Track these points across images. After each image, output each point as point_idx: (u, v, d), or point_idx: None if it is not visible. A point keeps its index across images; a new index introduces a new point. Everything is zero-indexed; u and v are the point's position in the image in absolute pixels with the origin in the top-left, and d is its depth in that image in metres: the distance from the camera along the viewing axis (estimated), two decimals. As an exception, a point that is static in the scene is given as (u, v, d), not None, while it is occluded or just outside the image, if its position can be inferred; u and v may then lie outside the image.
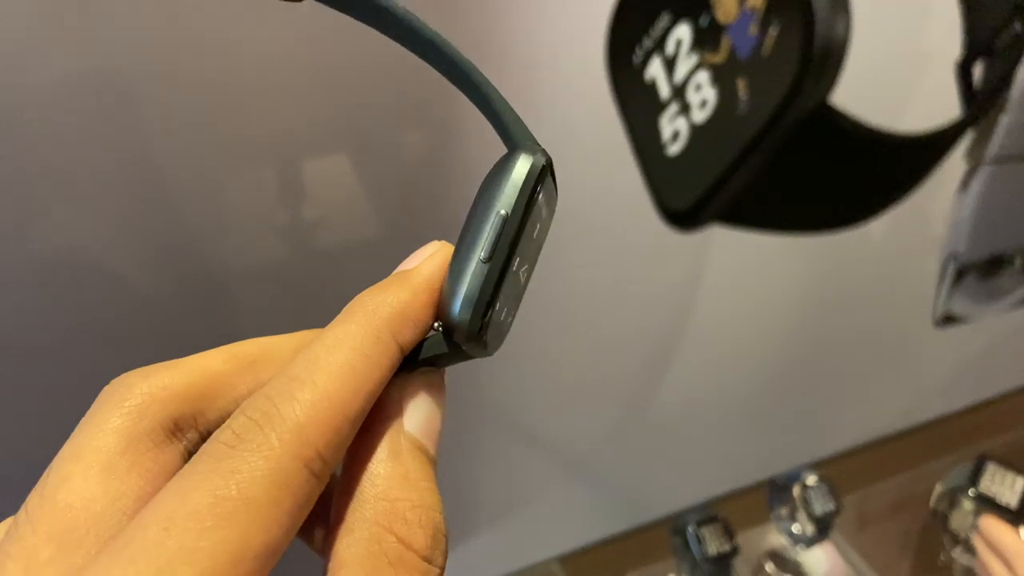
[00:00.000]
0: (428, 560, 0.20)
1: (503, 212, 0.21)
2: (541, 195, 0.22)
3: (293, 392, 0.19)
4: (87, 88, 0.45)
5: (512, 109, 0.25)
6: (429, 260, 0.23)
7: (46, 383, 0.53)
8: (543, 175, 0.22)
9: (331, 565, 0.19)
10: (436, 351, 0.22)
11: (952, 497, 0.88)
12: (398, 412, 0.21)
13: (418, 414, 0.21)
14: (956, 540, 0.88)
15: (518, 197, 0.22)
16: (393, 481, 0.20)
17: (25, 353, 0.51)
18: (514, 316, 0.24)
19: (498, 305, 0.22)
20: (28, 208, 0.47)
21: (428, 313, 0.22)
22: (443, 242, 0.23)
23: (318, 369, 0.20)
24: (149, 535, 0.17)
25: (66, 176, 0.47)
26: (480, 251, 0.21)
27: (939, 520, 0.88)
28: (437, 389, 0.22)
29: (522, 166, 0.22)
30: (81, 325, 0.52)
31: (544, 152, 0.22)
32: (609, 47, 0.58)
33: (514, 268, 0.22)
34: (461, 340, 0.21)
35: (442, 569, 0.20)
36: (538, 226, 0.23)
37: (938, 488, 0.89)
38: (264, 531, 0.17)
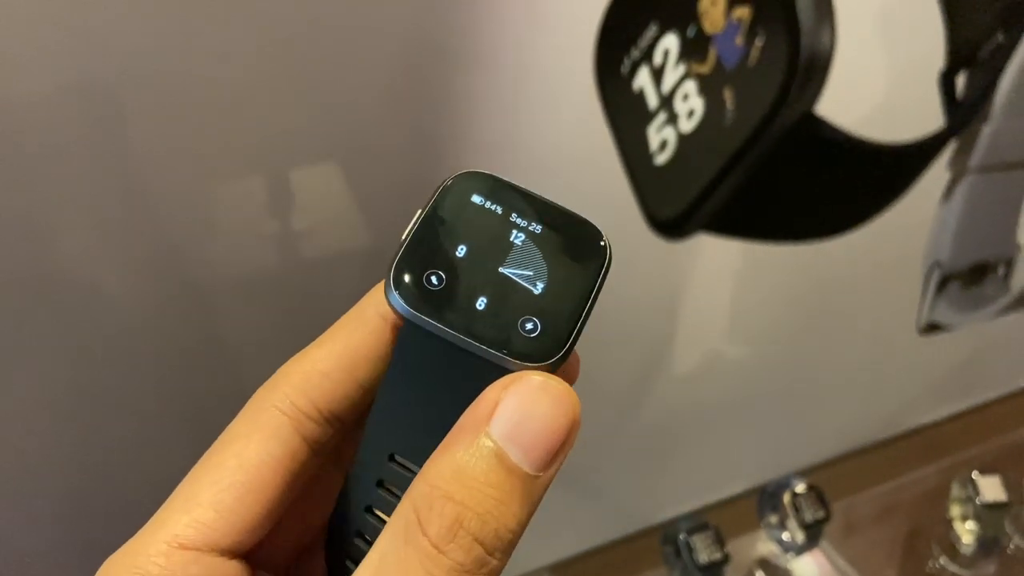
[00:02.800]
0: (438, 548, 0.20)
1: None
2: None
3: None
4: (71, 99, 0.45)
5: None
6: None
7: (27, 394, 0.53)
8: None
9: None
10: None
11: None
12: (489, 412, 0.21)
13: (507, 419, 0.21)
14: (955, 550, 0.89)
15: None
16: (445, 470, 0.21)
17: (5, 363, 0.51)
18: None
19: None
20: (12, 218, 0.47)
21: None
22: None
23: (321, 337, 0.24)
24: None
25: (50, 186, 0.47)
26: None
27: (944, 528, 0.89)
28: (545, 397, 0.22)
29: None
30: (65, 335, 0.52)
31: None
32: (597, 57, 0.59)
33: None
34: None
35: (461, 565, 0.20)
36: None
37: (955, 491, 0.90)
38: None
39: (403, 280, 0.24)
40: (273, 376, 0.24)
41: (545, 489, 0.22)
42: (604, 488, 0.79)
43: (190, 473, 0.23)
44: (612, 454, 0.80)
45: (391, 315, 0.24)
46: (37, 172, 0.46)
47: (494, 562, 0.21)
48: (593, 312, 0.24)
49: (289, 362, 0.24)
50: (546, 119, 0.58)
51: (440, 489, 0.20)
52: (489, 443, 0.21)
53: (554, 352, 0.23)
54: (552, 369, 0.23)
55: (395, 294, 0.24)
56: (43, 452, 0.55)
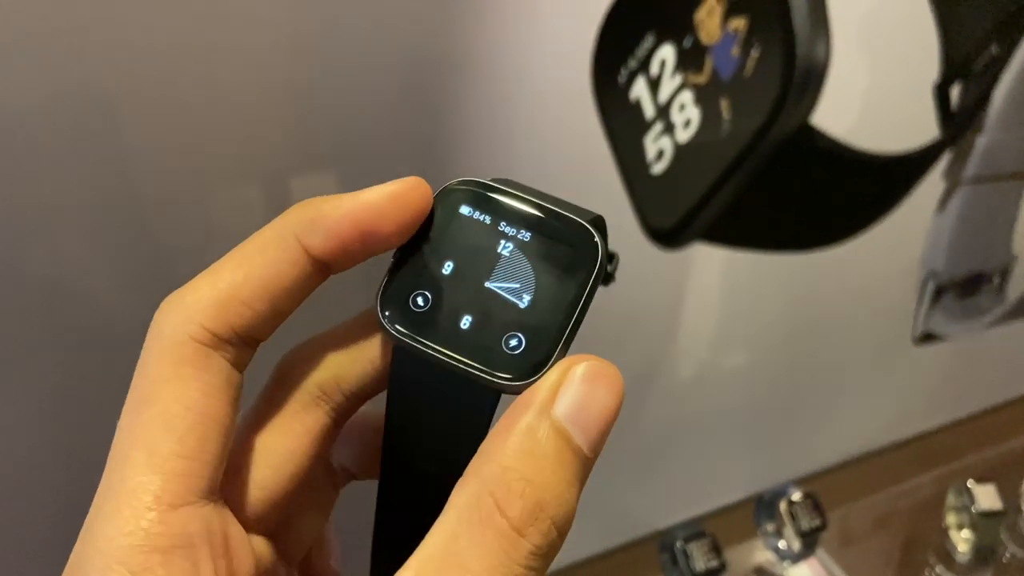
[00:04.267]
0: (519, 531, 0.20)
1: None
2: None
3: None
4: (65, 108, 0.45)
5: None
6: (377, 189, 0.23)
7: (21, 398, 0.53)
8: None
9: (446, 505, 0.21)
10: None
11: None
12: (553, 394, 0.21)
13: (571, 400, 0.21)
14: (951, 559, 0.89)
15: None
16: (516, 452, 0.21)
17: (4, 370, 0.51)
18: None
19: None
20: (8, 223, 0.47)
21: (349, 231, 0.23)
22: (419, 179, 0.24)
23: (225, 258, 0.23)
24: None
25: (47, 192, 0.47)
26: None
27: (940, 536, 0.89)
28: (603, 380, 0.22)
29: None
30: (62, 340, 0.52)
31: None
32: (594, 67, 0.59)
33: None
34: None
35: (538, 548, 0.20)
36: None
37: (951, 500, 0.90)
38: None
39: (390, 302, 0.24)
40: (179, 300, 0.22)
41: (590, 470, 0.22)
42: (601, 496, 0.79)
43: (126, 432, 0.22)
44: (609, 462, 0.79)
45: (314, 246, 0.23)
46: (34, 178, 0.46)
47: (559, 545, 0.21)
48: (587, 317, 0.24)
49: (197, 283, 0.23)
50: (544, 128, 0.58)
51: (516, 471, 0.20)
52: (556, 425, 0.21)
53: (538, 368, 0.23)
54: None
55: (382, 316, 0.24)
56: (38, 456, 0.55)
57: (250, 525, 0.24)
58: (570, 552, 0.82)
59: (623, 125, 0.62)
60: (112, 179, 0.48)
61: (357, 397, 0.26)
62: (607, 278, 0.29)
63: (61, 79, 0.45)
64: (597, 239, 0.24)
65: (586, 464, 0.22)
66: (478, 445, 0.22)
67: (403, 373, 0.25)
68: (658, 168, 0.65)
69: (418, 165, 0.56)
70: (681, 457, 0.85)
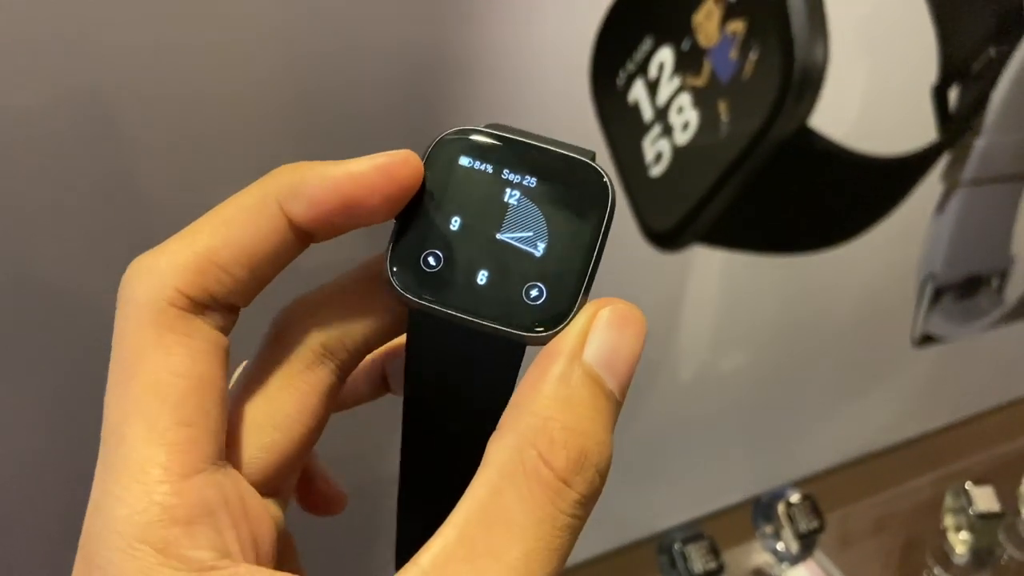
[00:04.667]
0: (565, 482, 0.20)
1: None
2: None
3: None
4: (68, 107, 0.45)
5: None
6: (365, 160, 0.23)
7: (20, 401, 0.53)
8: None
9: (483, 460, 0.21)
10: None
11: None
12: (581, 340, 0.21)
13: (600, 345, 0.21)
14: (949, 561, 0.89)
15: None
16: (553, 401, 0.20)
17: (5, 373, 0.51)
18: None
19: None
20: (8, 226, 0.47)
21: (334, 201, 0.22)
22: (409, 152, 0.23)
23: (202, 220, 0.22)
24: None
25: (48, 194, 0.47)
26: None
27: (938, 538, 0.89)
28: (630, 324, 0.22)
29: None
30: (61, 343, 0.52)
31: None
32: (593, 70, 0.59)
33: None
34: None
35: (584, 497, 0.20)
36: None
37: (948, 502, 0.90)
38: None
39: (400, 266, 0.23)
40: (152, 263, 0.21)
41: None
42: (600, 498, 0.80)
43: (115, 408, 0.21)
44: (608, 464, 0.80)
45: (297, 214, 0.22)
46: (33, 180, 0.46)
47: (600, 491, 0.21)
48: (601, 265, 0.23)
49: (170, 246, 0.22)
50: (543, 130, 0.59)
51: (556, 420, 0.20)
52: (588, 370, 0.21)
53: (562, 317, 0.22)
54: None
55: (394, 282, 0.23)
56: (38, 458, 0.55)
57: (263, 489, 0.24)
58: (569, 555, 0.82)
59: (621, 127, 0.62)
60: (112, 180, 0.48)
61: (362, 352, 0.25)
62: None
63: (61, 81, 0.45)
64: (606, 178, 0.24)
65: (617, 408, 0.21)
66: (507, 400, 0.22)
67: (422, 337, 0.24)
68: (657, 170, 0.65)
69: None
70: (679, 459, 0.85)
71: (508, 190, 0.24)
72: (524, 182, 0.24)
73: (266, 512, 0.23)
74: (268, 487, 0.24)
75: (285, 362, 0.24)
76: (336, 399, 0.26)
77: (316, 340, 0.24)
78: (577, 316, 0.22)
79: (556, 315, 0.22)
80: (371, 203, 0.22)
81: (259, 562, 0.21)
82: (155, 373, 0.20)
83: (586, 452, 0.20)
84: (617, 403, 0.21)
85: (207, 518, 0.20)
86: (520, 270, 0.23)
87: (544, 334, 0.22)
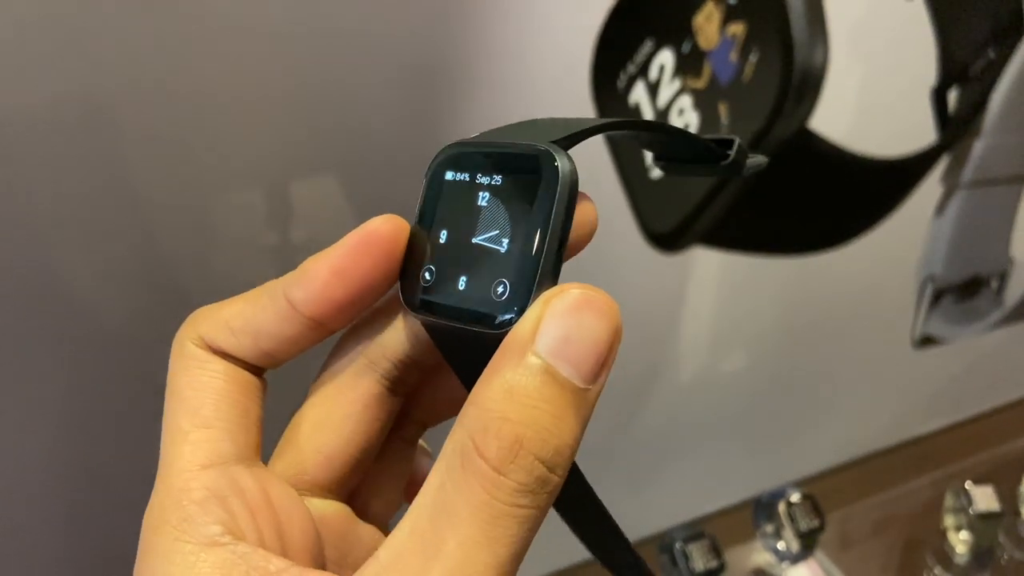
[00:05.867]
0: (498, 471, 0.20)
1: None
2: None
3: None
4: (69, 109, 0.46)
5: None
6: (351, 233, 0.25)
7: (22, 401, 0.53)
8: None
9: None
10: None
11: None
12: (532, 330, 0.21)
13: (552, 333, 0.21)
14: (949, 561, 0.89)
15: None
16: (495, 393, 0.20)
17: (4, 373, 0.51)
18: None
19: None
20: (9, 227, 0.47)
21: (325, 274, 0.24)
22: (391, 216, 0.25)
23: (240, 295, 0.26)
24: None
25: (49, 196, 0.48)
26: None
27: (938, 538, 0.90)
28: (587, 308, 0.21)
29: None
30: (61, 344, 0.52)
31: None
32: (594, 72, 0.59)
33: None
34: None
35: (523, 485, 0.20)
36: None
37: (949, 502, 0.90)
38: None
39: (406, 282, 0.25)
40: (191, 317, 0.26)
41: (596, 400, 0.22)
42: (601, 499, 0.80)
43: (164, 422, 0.25)
44: (609, 465, 0.80)
45: (296, 297, 0.25)
46: (34, 182, 0.47)
47: (555, 479, 0.21)
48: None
49: (210, 306, 0.26)
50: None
51: (494, 411, 0.20)
52: (537, 360, 0.20)
53: (520, 310, 0.22)
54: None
55: (402, 298, 0.25)
56: (40, 458, 0.55)
57: (315, 488, 0.26)
58: (570, 554, 0.82)
59: (623, 130, 0.62)
60: (112, 183, 0.49)
61: (404, 363, 0.27)
62: (734, 166, 0.30)
63: (61, 83, 0.45)
64: (558, 160, 0.23)
65: (581, 395, 0.21)
66: None
67: (439, 345, 0.25)
68: (657, 172, 0.65)
69: (418, 171, 0.57)
70: (680, 460, 0.85)
71: (480, 193, 0.24)
72: (492, 182, 0.24)
73: (303, 509, 0.25)
74: (322, 485, 0.26)
75: (337, 373, 0.27)
76: (387, 408, 0.27)
77: (361, 352, 0.27)
78: (531, 307, 0.22)
79: (516, 308, 0.22)
80: (360, 268, 0.24)
81: (286, 552, 0.23)
82: (181, 390, 0.24)
83: (521, 440, 0.20)
84: (579, 391, 0.21)
85: (219, 500, 0.22)
86: (490, 269, 0.23)
87: (504, 330, 0.22)
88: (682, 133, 0.30)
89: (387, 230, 0.25)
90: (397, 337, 0.26)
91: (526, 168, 0.23)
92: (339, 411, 0.26)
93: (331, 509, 0.26)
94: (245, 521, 0.23)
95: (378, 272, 0.25)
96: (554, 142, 0.24)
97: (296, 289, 0.25)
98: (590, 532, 0.27)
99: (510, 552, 0.20)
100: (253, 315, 0.25)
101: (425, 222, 0.25)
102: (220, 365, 0.25)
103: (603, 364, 0.21)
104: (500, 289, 0.23)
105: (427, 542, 0.20)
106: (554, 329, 0.21)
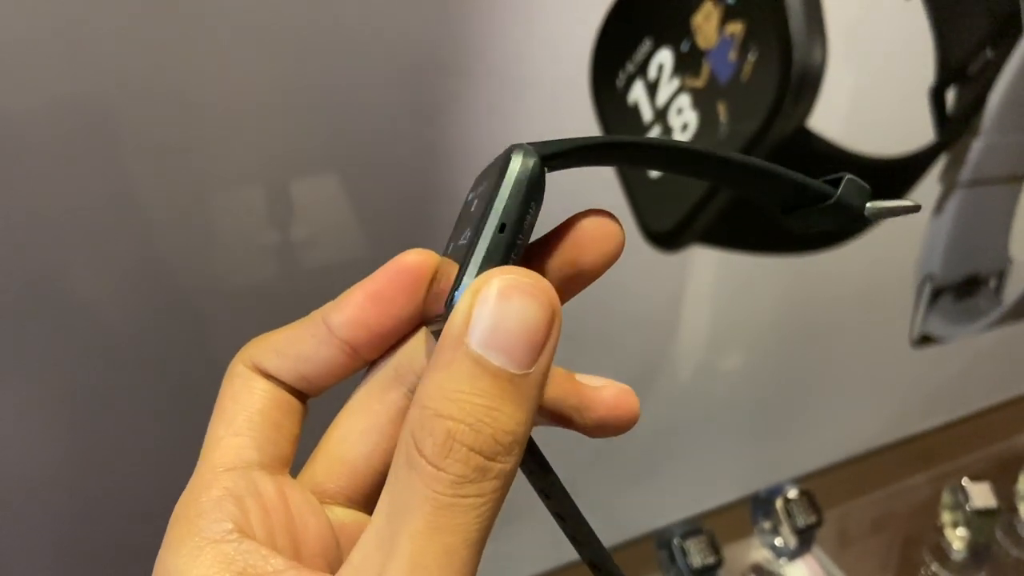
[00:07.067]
0: (436, 466, 0.20)
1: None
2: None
3: None
4: (69, 109, 0.46)
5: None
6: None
7: (24, 402, 0.53)
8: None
9: None
10: None
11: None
12: (464, 322, 0.21)
13: (482, 323, 0.21)
14: (946, 557, 0.89)
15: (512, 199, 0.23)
16: (430, 390, 0.21)
17: (5, 372, 0.52)
18: None
19: None
20: (10, 228, 0.48)
21: (360, 299, 0.26)
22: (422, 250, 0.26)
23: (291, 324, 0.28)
24: None
25: (50, 197, 0.48)
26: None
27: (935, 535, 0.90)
28: (515, 293, 0.21)
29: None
30: (63, 345, 0.52)
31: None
32: (593, 71, 0.60)
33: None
34: None
35: (460, 477, 0.20)
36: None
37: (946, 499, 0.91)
38: None
39: (427, 299, 0.26)
40: (248, 342, 0.28)
41: (542, 382, 0.22)
42: (599, 496, 0.80)
43: (212, 431, 0.26)
44: (607, 462, 0.80)
45: (332, 321, 0.26)
46: (35, 182, 0.47)
47: (498, 465, 0.21)
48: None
49: (266, 334, 0.28)
50: (543, 131, 0.59)
51: (429, 409, 0.21)
52: (468, 353, 0.21)
53: (454, 301, 0.22)
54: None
55: (423, 314, 0.26)
56: (40, 459, 0.55)
57: (339, 497, 0.27)
58: (569, 551, 0.82)
59: (621, 128, 0.62)
60: (112, 182, 0.49)
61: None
62: (855, 221, 0.27)
63: (61, 85, 0.45)
64: (516, 152, 0.23)
65: (519, 381, 0.21)
66: None
67: None
68: (655, 172, 0.65)
69: (419, 169, 0.57)
70: (679, 456, 0.85)
71: (471, 201, 0.25)
72: (479, 189, 0.24)
73: (316, 514, 0.26)
74: (340, 496, 0.27)
75: (367, 386, 0.28)
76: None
77: (390, 366, 0.27)
78: (461, 298, 0.21)
79: (452, 302, 0.22)
80: (390, 292, 0.26)
81: (298, 554, 0.24)
82: (224, 402, 0.26)
83: (453, 435, 0.20)
84: (515, 377, 0.21)
85: (235, 500, 0.24)
86: (460, 268, 0.23)
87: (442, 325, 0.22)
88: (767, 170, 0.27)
89: (414, 260, 0.26)
90: (421, 351, 0.27)
91: (501, 168, 0.23)
92: (364, 423, 0.27)
93: (352, 518, 0.27)
94: (258, 521, 0.24)
95: (407, 297, 0.26)
96: (547, 145, 0.24)
97: (334, 313, 0.26)
98: (559, 516, 0.27)
99: (461, 539, 0.20)
100: (297, 338, 0.26)
101: (448, 243, 0.26)
102: (262, 384, 0.27)
103: (539, 348, 0.21)
104: (458, 293, 0.23)
105: (383, 539, 0.21)
106: (483, 319, 0.21)
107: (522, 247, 0.23)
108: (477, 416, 0.21)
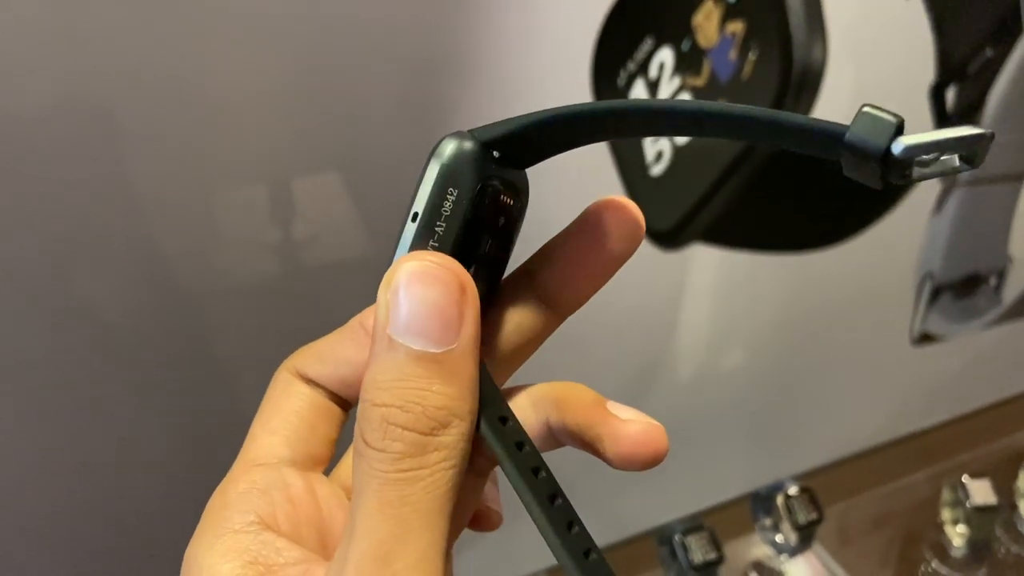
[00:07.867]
0: (376, 448, 0.22)
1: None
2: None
3: None
4: (71, 108, 0.46)
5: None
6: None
7: (25, 403, 0.53)
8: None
9: None
10: None
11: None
12: (384, 314, 0.22)
13: (396, 315, 0.22)
14: (946, 553, 0.90)
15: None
16: (366, 384, 0.22)
17: (8, 371, 0.52)
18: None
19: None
20: (11, 229, 0.48)
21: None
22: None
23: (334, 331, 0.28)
24: None
25: (51, 197, 0.48)
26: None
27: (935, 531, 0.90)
28: (416, 279, 0.23)
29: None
30: (65, 344, 0.53)
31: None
32: (594, 70, 0.60)
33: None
34: None
35: (400, 454, 0.22)
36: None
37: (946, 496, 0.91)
38: None
39: None
40: (297, 351, 0.29)
41: (471, 352, 0.23)
42: (601, 493, 0.80)
43: (251, 430, 0.28)
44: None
45: (368, 324, 0.26)
46: (36, 180, 0.47)
47: (438, 438, 0.22)
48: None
49: (317, 340, 0.28)
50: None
51: (367, 401, 0.22)
52: (391, 343, 0.22)
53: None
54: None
55: None
56: (39, 455, 0.56)
57: None
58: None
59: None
60: (113, 181, 0.49)
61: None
62: (886, 166, 0.18)
63: (63, 82, 0.45)
64: (441, 142, 0.24)
65: (443, 360, 0.22)
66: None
67: None
68: (657, 169, 0.65)
69: (419, 167, 0.57)
70: (680, 454, 0.85)
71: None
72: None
73: (344, 509, 0.27)
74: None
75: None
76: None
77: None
78: (379, 293, 0.23)
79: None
80: None
81: (323, 547, 0.25)
82: (265, 404, 0.28)
83: (387, 418, 0.22)
84: (440, 355, 0.22)
85: (260, 492, 0.25)
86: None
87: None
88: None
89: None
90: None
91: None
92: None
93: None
94: (284, 514, 0.25)
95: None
96: (488, 129, 0.24)
97: (370, 316, 0.26)
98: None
99: (412, 510, 0.21)
100: (338, 343, 0.27)
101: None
102: (302, 388, 0.28)
103: (455, 323, 0.23)
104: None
105: (348, 525, 0.22)
106: (396, 308, 0.22)
107: (453, 232, 0.24)
108: (406, 398, 0.22)
